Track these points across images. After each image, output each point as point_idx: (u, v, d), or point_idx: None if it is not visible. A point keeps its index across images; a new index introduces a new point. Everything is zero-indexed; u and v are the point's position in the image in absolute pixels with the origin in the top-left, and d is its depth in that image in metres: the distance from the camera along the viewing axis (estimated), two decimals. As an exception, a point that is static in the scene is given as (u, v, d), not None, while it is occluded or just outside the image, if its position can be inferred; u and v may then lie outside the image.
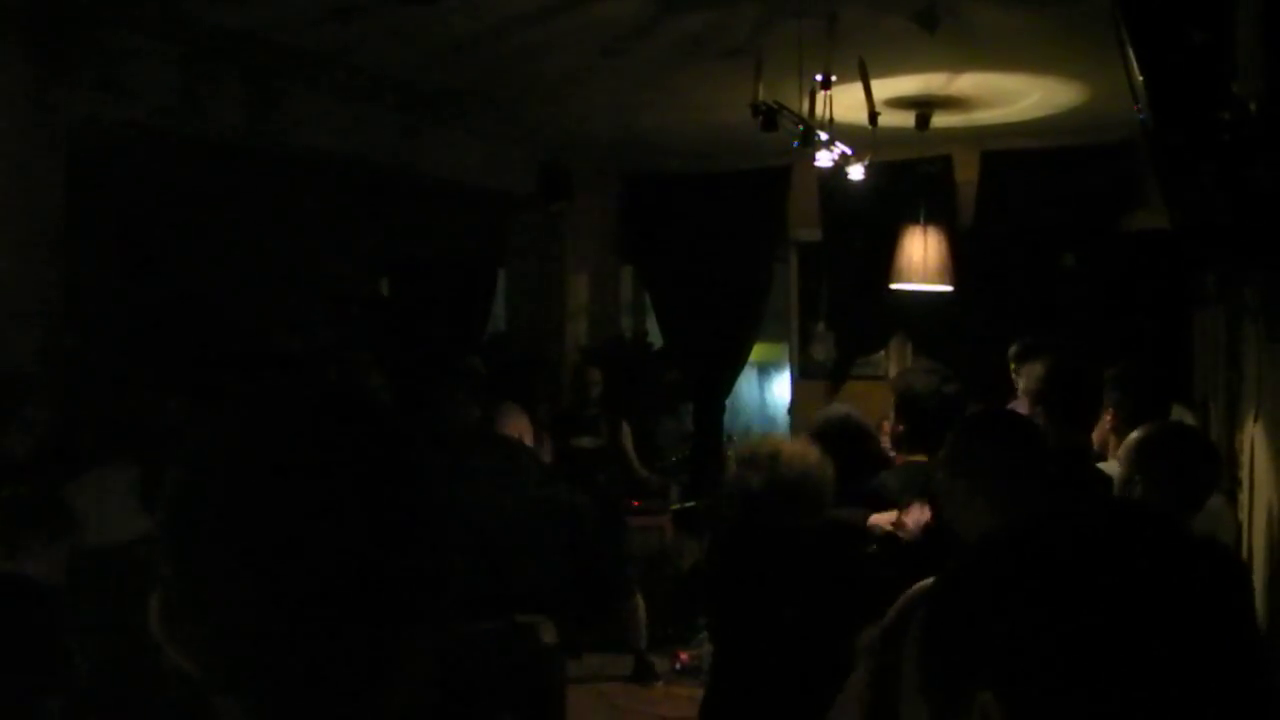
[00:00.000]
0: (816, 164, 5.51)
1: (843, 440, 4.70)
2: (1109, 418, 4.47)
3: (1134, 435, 3.72)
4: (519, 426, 4.94)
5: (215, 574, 1.05)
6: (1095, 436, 4.64)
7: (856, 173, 5.74)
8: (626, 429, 8.01)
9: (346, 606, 1.05)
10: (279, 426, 1.10)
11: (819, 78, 4.97)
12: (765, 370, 11.49)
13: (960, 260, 7.59)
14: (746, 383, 10.68)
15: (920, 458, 4.26)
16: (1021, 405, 6.40)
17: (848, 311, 8.60)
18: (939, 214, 7.66)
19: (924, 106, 6.71)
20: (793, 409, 9.21)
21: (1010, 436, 3.03)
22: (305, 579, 1.03)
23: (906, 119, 6.74)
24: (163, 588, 1.07)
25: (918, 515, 4.17)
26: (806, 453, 4.14)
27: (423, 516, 1.11)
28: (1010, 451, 2.93)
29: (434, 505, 1.13)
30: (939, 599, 1.05)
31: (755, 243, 8.81)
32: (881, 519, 4.21)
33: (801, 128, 5.19)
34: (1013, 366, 6.47)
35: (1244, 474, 5.33)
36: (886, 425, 5.30)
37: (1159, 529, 1.02)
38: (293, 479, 1.06)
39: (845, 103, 5.27)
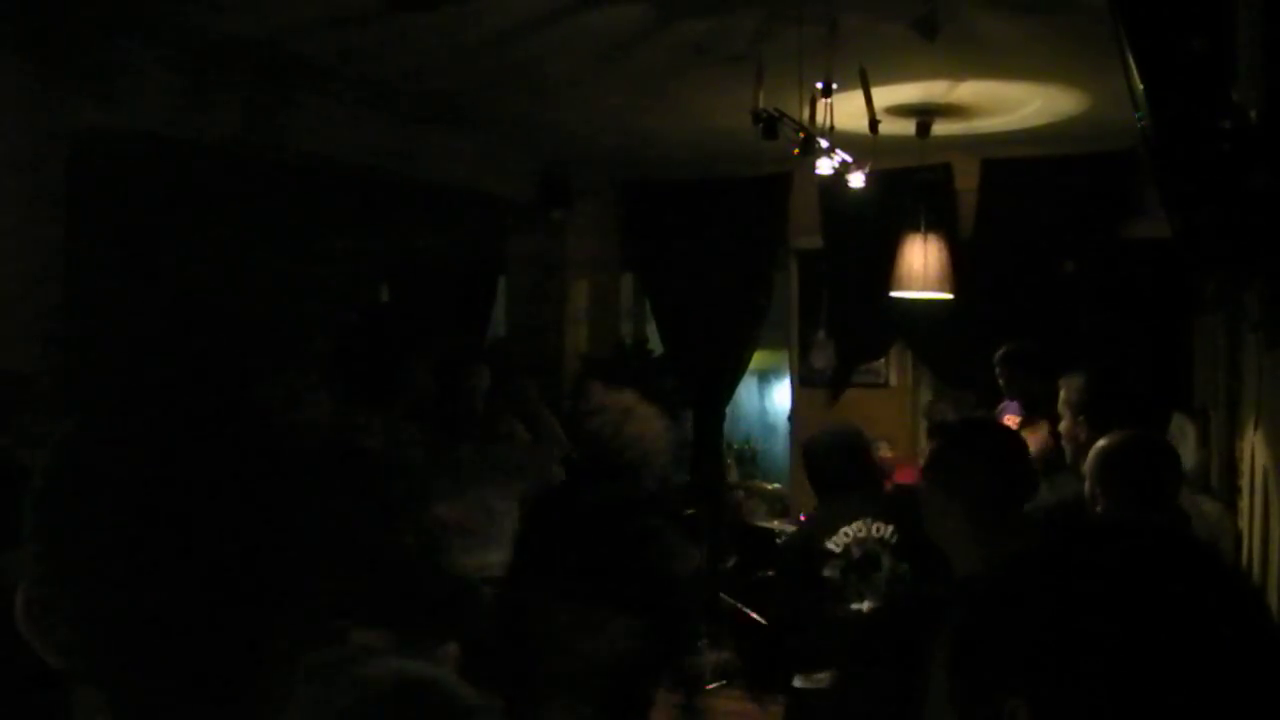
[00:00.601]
0: (817, 171, 5.51)
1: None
2: (1079, 422, 4.54)
3: (1097, 445, 3.75)
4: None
5: (80, 568, 1.06)
6: (1066, 442, 4.73)
7: (857, 180, 5.74)
8: None
9: (209, 606, 1.06)
10: (149, 426, 1.11)
11: (820, 85, 4.97)
12: (765, 378, 11.49)
13: (960, 268, 7.59)
14: (746, 390, 10.67)
15: None
16: (1012, 409, 6.43)
17: (848, 319, 8.60)
18: (939, 222, 7.65)
19: (924, 114, 6.71)
20: (793, 416, 9.21)
21: (990, 446, 3.00)
22: (169, 576, 1.05)
23: (907, 127, 6.75)
24: (29, 580, 1.08)
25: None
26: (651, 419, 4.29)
27: (290, 524, 1.12)
28: (989, 462, 2.91)
29: (303, 515, 1.14)
30: (973, 608, 1.07)
31: (755, 250, 8.81)
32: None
33: (802, 135, 5.19)
34: (997, 370, 6.48)
35: (1244, 481, 5.33)
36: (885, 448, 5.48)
37: (1184, 548, 1.04)
38: (160, 476, 1.07)
39: (846, 110, 5.27)
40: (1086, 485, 3.71)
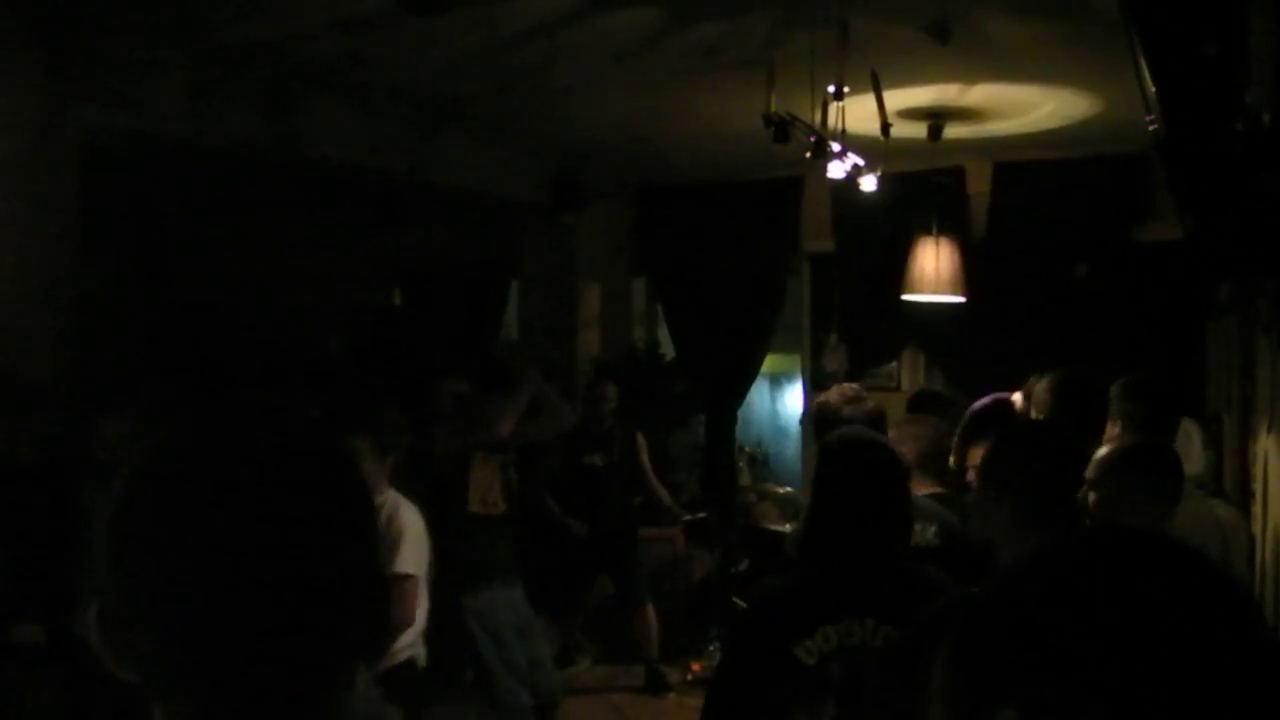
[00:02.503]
0: (829, 175, 5.51)
1: None
2: (1118, 429, 4.47)
3: (1102, 451, 3.74)
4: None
5: (156, 584, 1.07)
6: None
7: (869, 184, 5.74)
8: (642, 443, 7.83)
9: (282, 619, 1.08)
10: (224, 444, 1.14)
11: (831, 89, 4.97)
12: (777, 381, 11.48)
13: (972, 271, 7.59)
14: (758, 394, 10.66)
15: None
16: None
17: (860, 322, 8.60)
18: (951, 225, 7.65)
19: (936, 118, 6.70)
20: (805, 420, 9.20)
21: (1041, 450, 3.05)
22: (244, 590, 1.07)
23: (919, 130, 6.74)
24: (103, 595, 1.10)
25: None
26: None
27: (355, 540, 1.15)
28: (1039, 466, 2.96)
29: (367, 531, 1.17)
30: (970, 616, 1.07)
31: (768, 253, 8.81)
32: None
33: (814, 139, 5.19)
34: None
35: (1257, 485, 5.32)
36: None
37: (1182, 558, 1.04)
38: (235, 493, 1.09)
39: (857, 114, 5.27)
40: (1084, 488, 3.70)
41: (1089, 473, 3.66)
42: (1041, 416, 4.48)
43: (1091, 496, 3.64)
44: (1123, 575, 1.01)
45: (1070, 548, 1.09)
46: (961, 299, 7.55)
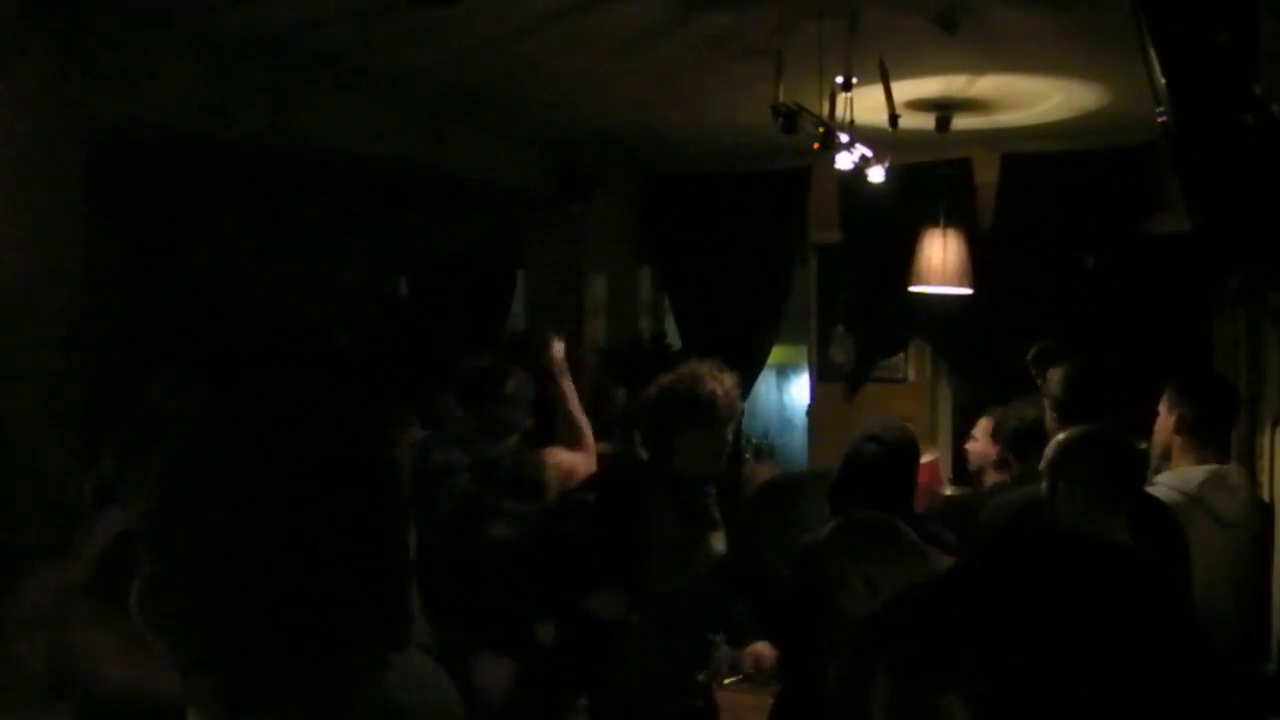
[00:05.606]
0: (837, 166, 5.50)
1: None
2: (1173, 420, 4.49)
3: (1053, 439, 3.80)
4: None
5: (190, 561, 1.13)
6: (1158, 441, 4.62)
7: (877, 175, 5.73)
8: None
9: (311, 596, 1.13)
10: (257, 427, 1.16)
11: (839, 79, 4.97)
12: (784, 372, 11.48)
13: (980, 263, 7.58)
14: (765, 385, 10.66)
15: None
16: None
17: (867, 314, 8.59)
18: (959, 216, 7.64)
19: (944, 109, 6.69)
20: (811, 411, 9.20)
21: (1109, 449, 3.67)
22: (274, 569, 1.12)
23: (927, 121, 6.73)
24: (143, 571, 1.15)
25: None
26: None
27: (385, 518, 1.16)
28: (1107, 460, 3.61)
29: (395, 508, 1.18)
30: (916, 612, 1.12)
31: (774, 244, 8.80)
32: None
33: (822, 129, 5.18)
34: (1033, 371, 6.39)
35: (1264, 476, 5.32)
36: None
37: (1118, 562, 1.08)
38: (266, 476, 1.14)
39: (865, 105, 5.27)
40: (1043, 482, 3.73)
41: (1041, 465, 3.72)
42: (1054, 407, 4.49)
43: (1043, 486, 3.67)
44: (1067, 577, 1.06)
45: (1014, 549, 1.14)
46: (968, 291, 7.54)
